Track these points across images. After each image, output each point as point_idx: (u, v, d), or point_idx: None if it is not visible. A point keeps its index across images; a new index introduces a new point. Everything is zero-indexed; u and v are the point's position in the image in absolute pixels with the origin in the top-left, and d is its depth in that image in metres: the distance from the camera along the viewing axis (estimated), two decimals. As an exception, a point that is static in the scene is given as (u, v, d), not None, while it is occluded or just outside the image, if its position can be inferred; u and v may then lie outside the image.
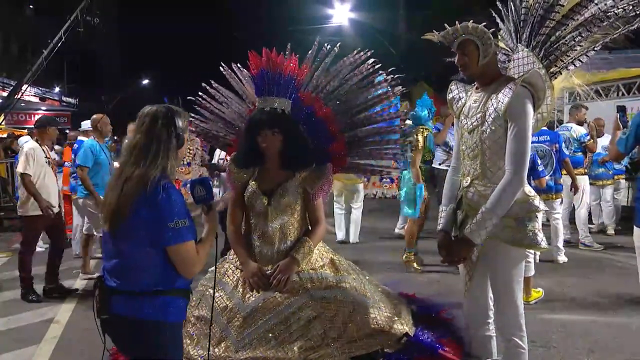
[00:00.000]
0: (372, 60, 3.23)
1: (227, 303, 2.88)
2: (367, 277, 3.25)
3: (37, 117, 13.16)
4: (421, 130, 6.08)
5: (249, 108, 3.36)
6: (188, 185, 2.57)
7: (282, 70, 2.93)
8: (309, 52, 3.24)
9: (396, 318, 3.05)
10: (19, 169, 5.27)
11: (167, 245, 2.03)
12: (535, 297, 4.87)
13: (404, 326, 3.05)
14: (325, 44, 3.27)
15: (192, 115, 3.48)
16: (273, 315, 2.78)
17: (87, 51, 28.37)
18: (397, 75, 3.25)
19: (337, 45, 3.30)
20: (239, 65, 3.45)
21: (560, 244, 6.46)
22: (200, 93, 3.51)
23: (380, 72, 3.25)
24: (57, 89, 25.55)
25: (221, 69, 3.45)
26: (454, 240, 2.84)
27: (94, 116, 6.16)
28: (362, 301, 2.93)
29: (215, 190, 7.01)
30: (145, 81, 34.18)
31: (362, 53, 3.24)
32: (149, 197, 1.99)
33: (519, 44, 2.92)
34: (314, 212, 3.02)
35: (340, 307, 2.85)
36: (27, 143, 5.50)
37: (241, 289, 2.90)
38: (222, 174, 7.38)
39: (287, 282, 2.82)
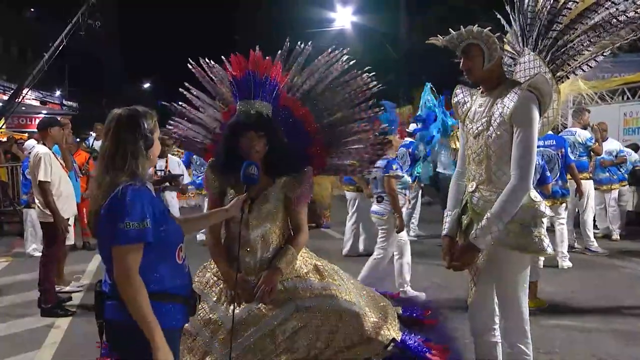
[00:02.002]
0: (346, 57, 3.19)
1: (211, 316, 2.82)
2: (352, 281, 3.21)
3: (37, 121, 13.20)
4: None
5: (223, 110, 3.30)
6: (244, 162, 2.60)
7: (269, 74, 2.90)
8: (279, 51, 3.20)
9: (382, 323, 3.02)
10: (40, 176, 5.03)
11: (112, 244, 1.99)
12: (538, 305, 4.84)
13: (390, 331, 3.03)
14: (300, 43, 3.24)
15: (171, 122, 3.46)
16: (258, 328, 2.73)
17: (88, 55, 28.48)
18: (372, 73, 3.20)
19: (310, 44, 3.25)
20: (208, 61, 3.36)
21: (565, 250, 6.45)
22: (180, 102, 3.44)
23: (355, 70, 3.19)
24: (58, 93, 25.65)
25: (189, 66, 3.35)
26: (459, 245, 2.82)
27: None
28: (348, 308, 2.89)
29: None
30: (146, 85, 34.27)
31: (337, 52, 3.20)
32: (110, 198, 2.00)
33: (525, 48, 2.92)
34: (296, 218, 2.96)
35: (327, 316, 2.81)
36: (39, 147, 5.27)
37: (225, 302, 2.84)
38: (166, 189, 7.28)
39: (272, 293, 2.76)
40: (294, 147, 3.01)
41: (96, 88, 31.24)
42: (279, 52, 3.20)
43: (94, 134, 10.44)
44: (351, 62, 3.20)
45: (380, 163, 4.82)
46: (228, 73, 3.06)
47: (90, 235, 5.57)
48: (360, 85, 3.18)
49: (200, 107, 3.42)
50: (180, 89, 3.46)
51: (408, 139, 8.09)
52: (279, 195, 2.90)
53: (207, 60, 3.37)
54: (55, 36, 10.29)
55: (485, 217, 2.61)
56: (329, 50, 3.23)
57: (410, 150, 7.58)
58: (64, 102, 22.72)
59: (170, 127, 3.45)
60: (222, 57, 3.20)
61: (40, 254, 6.23)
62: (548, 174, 5.17)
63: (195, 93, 3.43)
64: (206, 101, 3.41)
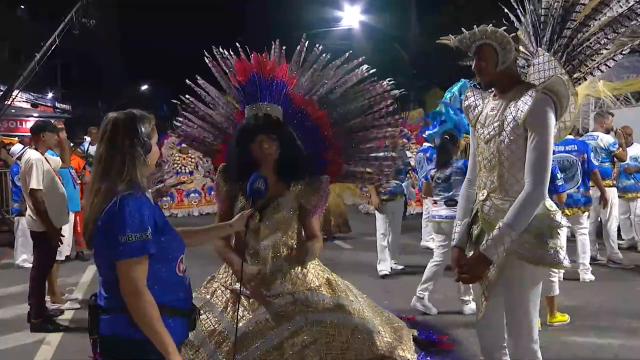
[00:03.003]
0: (365, 65, 3.25)
1: (216, 326, 2.82)
2: (365, 299, 3.21)
3: (28, 124, 13.24)
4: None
5: (235, 109, 3.34)
6: (252, 175, 2.61)
7: (275, 75, 2.93)
8: (297, 49, 3.24)
9: (397, 344, 3.01)
10: (32, 184, 5.01)
11: (116, 260, 2.01)
12: (560, 320, 4.82)
13: (405, 353, 3.01)
14: (317, 45, 3.28)
15: (179, 119, 3.50)
16: (266, 340, 2.73)
17: (83, 55, 28.65)
18: (392, 81, 3.25)
19: (324, 52, 3.29)
20: (222, 51, 3.35)
21: (587, 261, 6.40)
22: (187, 96, 3.47)
23: (374, 78, 3.25)
24: (50, 95, 25.82)
25: (206, 59, 3.38)
26: (469, 257, 2.82)
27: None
28: (361, 325, 2.88)
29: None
30: (144, 87, 34.45)
31: (355, 60, 3.26)
32: (107, 209, 2.01)
33: (539, 48, 2.91)
34: (309, 228, 2.99)
35: (338, 331, 2.80)
36: (31, 152, 5.26)
37: (231, 311, 2.85)
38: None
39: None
40: (309, 151, 3.05)
41: (92, 90, 31.40)
42: (296, 49, 3.24)
43: (88, 139, 10.50)
44: (370, 71, 3.24)
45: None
46: (233, 79, 3.09)
47: (84, 245, 5.60)
48: (379, 92, 3.22)
49: (210, 104, 3.45)
50: (188, 81, 3.48)
51: (426, 144, 8.12)
52: (293, 204, 2.92)
53: (221, 50, 3.36)
54: (47, 35, 10.35)
55: (497, 227, 2.60)
56: (346, 55, 3.28)
57: (427, 155, 7.62)
58: (57, 104, 22.87)
59: (178, 125, 3.49)
60: (231, 51, 3.24)
61: (30, 265, 6.18)
62: (561, 182, 5.11)
63: (205, 87, 3.45)
64: (217, 97, 3.44)
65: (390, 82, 3.24)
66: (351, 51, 3.30)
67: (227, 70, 3.33)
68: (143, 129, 2.14)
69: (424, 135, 8.37)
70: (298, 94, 3.18)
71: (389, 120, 3.23)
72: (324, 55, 3.28)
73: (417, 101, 18.91)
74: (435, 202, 5.59)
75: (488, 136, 2.78)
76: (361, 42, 20.81)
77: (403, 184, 7.14)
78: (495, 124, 2.74)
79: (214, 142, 3.43)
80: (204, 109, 3.45)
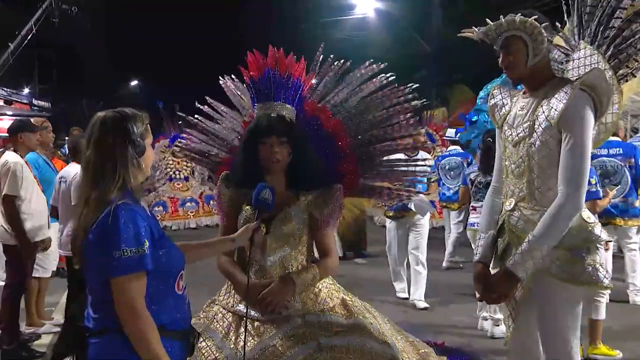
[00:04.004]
0: (389, 75, 3.29)
1: (217, 355, 2.81)
2: (386, 321, 3.19)
3: (0, 123, 13.28)
4: None
5: (244, 121, 3.41)
6: (258, 185, 2.67)
7: (291, 73, 2.98)
8: (316, 54, 3.34)
9: None
10: (6, 189, 5.04)
11: (111, 277, 2.03)
12: (606, 354, 4.77)
13: None
14: (330, 57, 3.36)
15: (183, 135, 3.65)
16: None
17: (64, 47, 28.83)
18: (415, 85, 3.29)
19: (348, 62, 3.38)
20: (233, 77, 3.56)
21: (637, 281, 6.36)
22: (196, 116, 3.61)
23: (396, 85, 3.29)
24: (26, 90, 25.98)
25: (220, 81, 3.55)
26: (494, 273, 2.83)
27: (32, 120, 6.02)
28: (382, 351, 2.86)
29: None
30: (134, 82, 34.62)
31: (374, 65, 3.30)
32: (98, 221, 2.04)
33: (581, 41, 2.91)
34: (322, 242, 3.01)
35: (355, 357, 2.78)
36: (9, 155, 5.30)
37: (233, 337, 2.84)
38: None
39: (278, 306, 2.78)
40: (322, 162, 3.09)
41: (74, 86, 31.53)
42: (316, 54, 3.33)
43: None
44: (390, 78, 3.28)
45: None
46: (244, 75, 3.15)
47: (65, 261, 5.62)
48: (400, 101, 3.26)
49: (217, 119, 3.56)
50: (198, 105, 3.63)
51: (453, 147, 8.16)
52: (303, 214, 2.94)
53: (232, 77, 3.55)
54: (23, 23, 10.34)
55: (526, 240, 2.62)
56: (367, 63, 3.32)
57: (468, 159, 7.68)
58: (34, 101, 22.95)
59: (183, 141, 3.63)
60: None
61: (3, 283, 6.17)
62: (595, 188, 4.90)
63: (213, 105, 3.58)
64: (224, 112, 3.55)
65: (413, 87, 3.28)
66: (371, 60, 3.34)
67: (238, 91, 3.50)
68: (135, 128, 2.17)
69: (457, 137, 8.43)
70: (310, 100, 3.24)
71: (411, 131, 3.27)
72: (340, 62, 3.34)
73: (440, 98, 18.91)
74: (474, 208, 5.69)
75: (517, 138, 2.79)
76: (377, 33, 20.81)
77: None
78: (525, 125, 2.76)
79: (218, 155, 3.50)
80: (209, 124, 3.56)
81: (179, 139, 3.69)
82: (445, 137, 10.56)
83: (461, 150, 8.66)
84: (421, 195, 5.42)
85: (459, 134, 8.32)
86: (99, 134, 2.15)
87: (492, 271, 2.89)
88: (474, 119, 6.97)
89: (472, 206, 5.81)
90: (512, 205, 2.82)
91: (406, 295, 6.82)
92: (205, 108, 3.60)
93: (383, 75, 3.30)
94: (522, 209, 2.77)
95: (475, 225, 5.47)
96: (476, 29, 2.87)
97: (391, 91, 3.27)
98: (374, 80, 3.30)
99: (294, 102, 3.04)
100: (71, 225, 4.84)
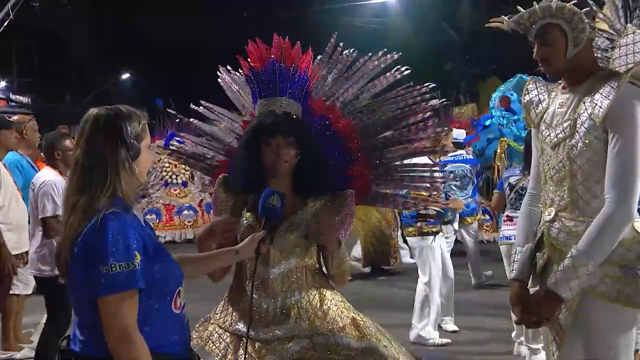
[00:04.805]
0: (405, 68, 3.32)
1: None
2: (401, 345, 3.18)
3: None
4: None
5: (244, 121, 3.43)
6: (265, 190, 2.68)
7: (298, 65, 2.99)
8: (327, 47, 3.35)
9: None
10: None
11: (98, 296, 2.02)
12: None
13: None
14: (341, 45, 3.38)
15: (178, 138, 3.65)
16: None
17: (46, 35, 29.07)
18: (432, 85, 3.30)
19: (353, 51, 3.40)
20: (229, 69, 3.58)
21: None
22: (191, 120, 3.70)
23: (411, 83, 3.31)
24: (3, 84, 26.25)
25: (218, 76, 3.58)
26: (533, 293, 2.82)
27: (16, 118, 6.09)
28: None
29: None
30: (125, 75, 34.82)
31: (388, 55, 3.33)
32: (84, 232, 2.04)
33: (628, 24, 2.89)
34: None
35: None
36: None
37: (231, 358, 2.86)
38: None
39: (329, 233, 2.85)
40: (332, 165, 3.11)
41: (58, 79, 31.76)
42: (327, 47, 3.35)
43: None
44: (406, 72, 3.30)
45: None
46: (245, 66, 3.16)
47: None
48: (417, 101, 3.27)
49: (214, 121, 3.61)
50: (193, 106, 3.69)
51: (459, 152, 8.14)
52: (311, 221, 2.95)
53: (228, 68, 3.56)
54: (1, 8, 10.39)
55: (569, 256, 2.60)
56: (380, 53, 3.34)
57: (477, 167, 7.71)
58: (12, 95, 23.14)
59: (179, 144, 3.66)
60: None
61: None
62: None
63: (210, 108, 3.63)
64: (222, 112, 3.59)
65: (430, 86, 3.28)
66: (385, 50, 3.35)
67: (237, 89, 3.54)
68: (130, 128, 2.18)
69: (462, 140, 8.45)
70: (317, 97, 3.25)
71: (428, 133, 3.29)
72: (349, 51, 3.37)
73: (470, 93, 18.88)
74: (510, 218, 5.59)
75: (556, 140, 2.78)
76: (399, 20, 20.81)
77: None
78: (565, 124, 2.74)
79: (214, 158, 3.52)
80: (205, 127, 3.61)
81: (174, 139, 3.73)
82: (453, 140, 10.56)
83: (468, 156, 8.60)
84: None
85: (471, 142, 8.36)
86: (89, 132, 2.17)
87: (531, 290, 2.88)
88: (487, 123, 7.00)
89: (506, 216, 5.74)
90: (552, 216, 2.80)
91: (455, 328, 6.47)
92: (201, 109, 3.65)
93: (398, 68, 3.32)
94: (563, 220, 2.76)
95: (512, 238, 5.43)
96: (506, 18, 2.84)
97: (406, 90, 3.29)
98: (388, 75, 3.31)
99: (301, 98, 3.05)
100: (38, 240, 4.91)
